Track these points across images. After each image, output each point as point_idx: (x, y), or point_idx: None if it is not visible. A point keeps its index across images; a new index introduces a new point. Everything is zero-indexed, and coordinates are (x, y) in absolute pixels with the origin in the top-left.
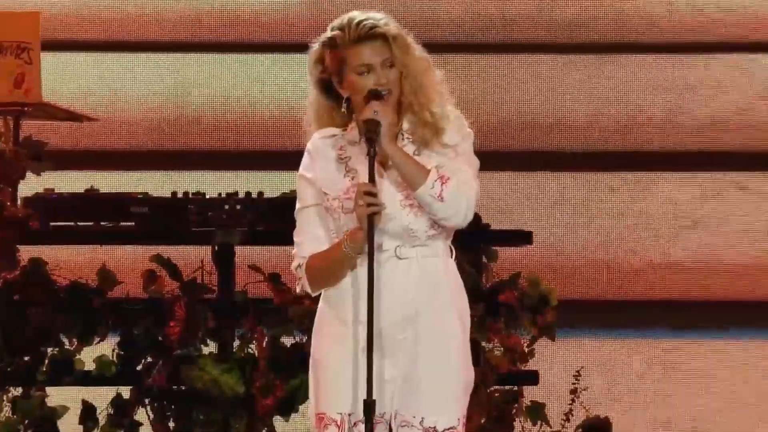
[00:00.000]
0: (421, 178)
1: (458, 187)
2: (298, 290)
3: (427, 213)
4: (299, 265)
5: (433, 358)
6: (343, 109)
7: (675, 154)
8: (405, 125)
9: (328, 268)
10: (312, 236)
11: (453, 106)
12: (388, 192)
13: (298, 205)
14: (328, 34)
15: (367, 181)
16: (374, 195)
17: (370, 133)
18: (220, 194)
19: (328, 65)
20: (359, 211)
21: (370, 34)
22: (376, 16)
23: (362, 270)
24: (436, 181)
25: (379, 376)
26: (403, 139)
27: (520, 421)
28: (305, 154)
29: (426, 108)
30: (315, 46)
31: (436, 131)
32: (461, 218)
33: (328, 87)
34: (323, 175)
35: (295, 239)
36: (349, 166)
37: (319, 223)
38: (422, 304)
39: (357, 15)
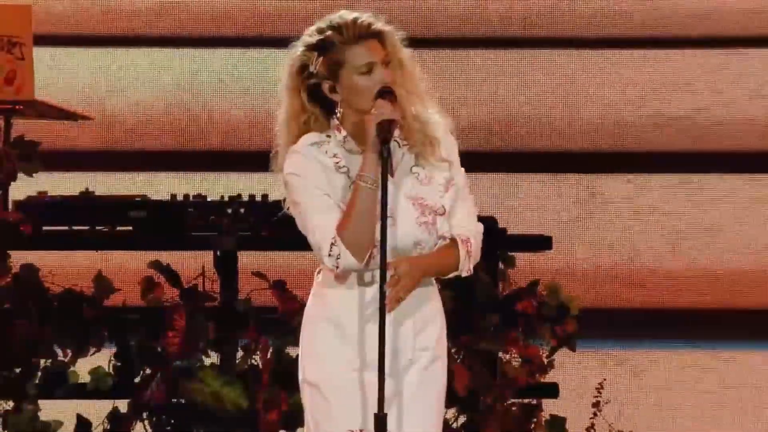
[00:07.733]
0: (452, 266)
1: (476, 236)
2: (337, 271)
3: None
4: (333, 243)
5: (424, 379)
6: (338, 114)
7: (700, 155)
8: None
9: (357, 220)
10: (327, 207)
11: (437, 106)
12: (404, 209)
13: (295, 198)
14: (317, 36)
15: (380, 189)
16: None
17: (385, 133)
18: (222, 197)
19: (318, 70)
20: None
21: (369, 32)
22: (366, 14)
23: (370, 290)
24: (465, 259)
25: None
26: (400, 146)
27: None
28: (294, 155)
29: (417, 109)
30: (296, 53)
31: (431, 144)
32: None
33: (315, 94)
34: (322, 181)
35: (311, 226)
36: (352, 178)
37: (325, 194)
38: (422, 323)
39: (349, 13)
